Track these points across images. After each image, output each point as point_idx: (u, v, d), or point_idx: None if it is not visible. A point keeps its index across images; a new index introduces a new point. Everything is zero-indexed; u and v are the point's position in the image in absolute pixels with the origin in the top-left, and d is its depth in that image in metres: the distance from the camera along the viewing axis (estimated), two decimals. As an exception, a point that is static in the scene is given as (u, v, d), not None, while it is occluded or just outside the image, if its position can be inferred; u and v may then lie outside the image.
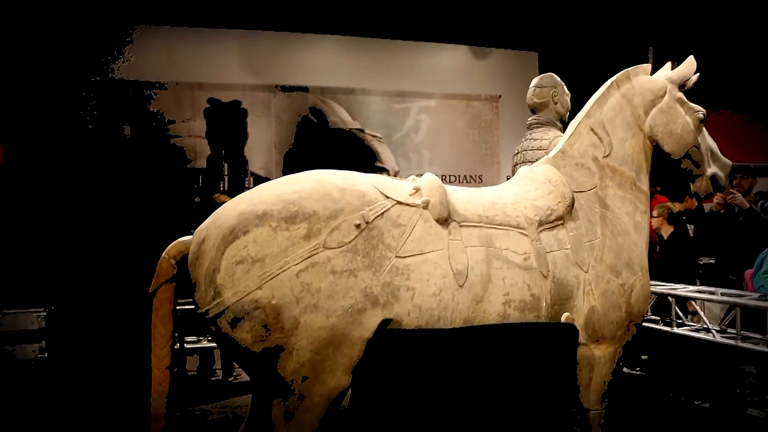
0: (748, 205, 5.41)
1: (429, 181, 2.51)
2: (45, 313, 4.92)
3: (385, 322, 2.24)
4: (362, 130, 8.14)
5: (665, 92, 3.00)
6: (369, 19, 7.89)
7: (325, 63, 8.12)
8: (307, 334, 2.13)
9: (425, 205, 2.42)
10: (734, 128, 8.92)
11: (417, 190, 2.47)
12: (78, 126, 6.52)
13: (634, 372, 5.60)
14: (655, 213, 5.64)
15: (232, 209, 2.24)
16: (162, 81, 7.36)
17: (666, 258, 5.48)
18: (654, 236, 5.75)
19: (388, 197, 2.37)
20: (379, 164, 8.05)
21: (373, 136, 8.17)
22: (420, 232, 2.36)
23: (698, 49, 3.34)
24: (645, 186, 2.99)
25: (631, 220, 2.87)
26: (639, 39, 7.71)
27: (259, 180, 7.36)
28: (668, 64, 3.20)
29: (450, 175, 8.57)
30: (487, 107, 8.85)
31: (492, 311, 2.42)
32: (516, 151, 4.13)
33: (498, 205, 2.63)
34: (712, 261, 6.27)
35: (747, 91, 8.93)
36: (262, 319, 2.10)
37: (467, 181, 8.65)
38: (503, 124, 8.81)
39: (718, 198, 5.48)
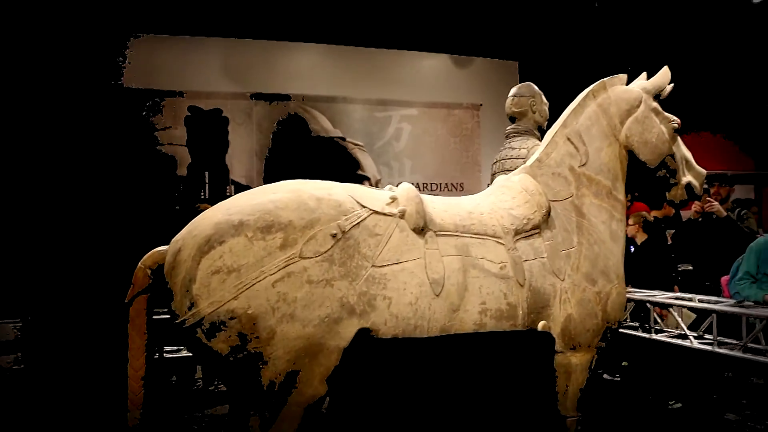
0: (725, 213, 5.49)
1: (405, 190, 2.52)
2: (21, 324, 4.85)
3: (362, 332, 2.25)
4: (344, 138, 8.12)
5: (641, 102, 3.04)
6: (350, 27, 7.90)
7: (307, 71, 8.10)
8: (284, 344, 2.13)
9: (401, 215, 2.43)
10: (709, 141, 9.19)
11: (393, 199, 2.48)
12: (54, 134, 6.45)
13: (614, 378, 5.64)
14: (630, 221, 5.69)
15: (208, 219, 2.23)
16: (142, 88, 7.30)
17: (644, 265, 5.53)
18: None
19: (364, 206, 2.38)
20: (360, 172, 8.02)
21: (355, 144, 8.15)
22: (396, 242, 2.36)
23: (676, 62, 3.39)
24: (621, 195, 3.01)
25: (607, 228, 2.89)
26: (617, 50, 7.79)
27: (241, 188, 7.31)
28: (643, 74, 3.23)
29: (431, 183, 8.57)
30: (468, 116, 8.87)
31: (468, 320, 2.43)
32: (495, 160, 4.16)
33: (474, 215, 2.64)
34: (690, 268, 6.35)
35: (720, 103, 9.17)
36: (238, 329, 2.10)
37: (448, 189, 8.66)
38: (484, 133, 8.83)
39: (695, 206, 5.56)
